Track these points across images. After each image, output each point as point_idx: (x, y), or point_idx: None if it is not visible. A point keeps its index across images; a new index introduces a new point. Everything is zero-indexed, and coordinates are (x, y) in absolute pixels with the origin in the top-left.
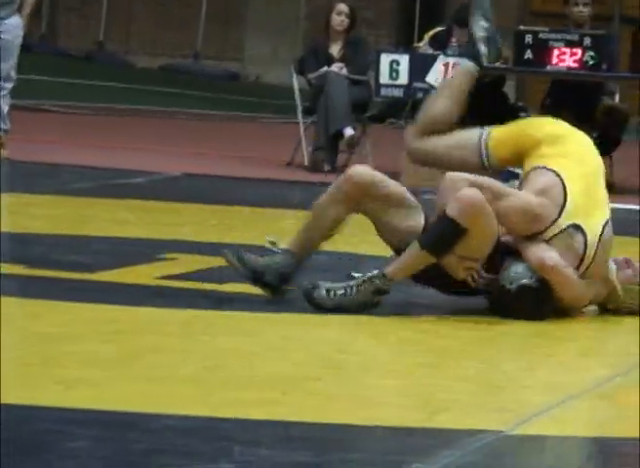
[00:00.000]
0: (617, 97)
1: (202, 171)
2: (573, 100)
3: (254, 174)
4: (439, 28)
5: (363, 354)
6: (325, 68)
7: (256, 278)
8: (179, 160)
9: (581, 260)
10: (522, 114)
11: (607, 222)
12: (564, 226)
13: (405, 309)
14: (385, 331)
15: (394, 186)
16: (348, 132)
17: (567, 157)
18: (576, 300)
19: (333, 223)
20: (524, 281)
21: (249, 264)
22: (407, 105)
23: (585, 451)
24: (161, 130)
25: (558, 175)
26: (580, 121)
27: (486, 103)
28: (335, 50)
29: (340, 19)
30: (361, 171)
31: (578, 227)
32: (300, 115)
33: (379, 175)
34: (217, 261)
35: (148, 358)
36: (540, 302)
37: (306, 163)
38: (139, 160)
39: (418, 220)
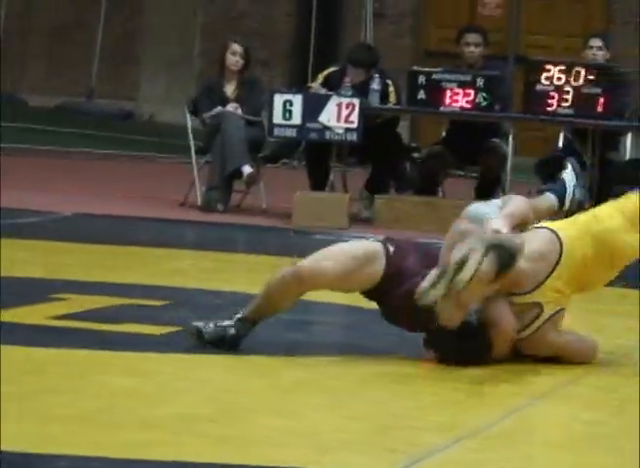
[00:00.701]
0: (510, 139)
1: (95, 210)
2: (464, 142)
3: (147, 213)
4: (333, 68)
5: (254, 394)
6: (219, 108)
7: (216, 345)
8: (72, 200)
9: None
10: (415, 154)
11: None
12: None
13: (296, 349)
14: (277, 371)
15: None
16: (247, 170)
17: None
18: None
19: (287, 303)
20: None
21: (209, 340)
22: (300, 146)
23: None
24: (54, 169)
25: None
26: (469, 162)
27: (380, 143)
28: (229, 89)
29: (234, 58)
30: (307, 271)
31: None
32: (193, 155)
33: (327, 270)
34: (109, 301)
35: (41, 398)
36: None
37: (199, 203)
38: (32, 200)
39: (376, 268)
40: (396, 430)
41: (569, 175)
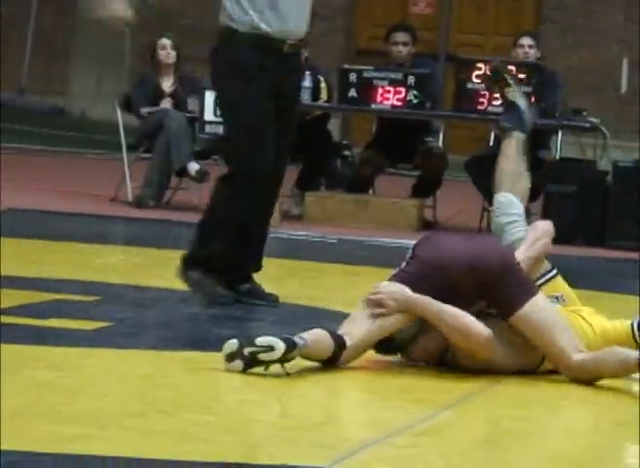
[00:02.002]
0: (440, 136)
1: (25, 205)
2: (395, 140)
3: (78, 209)
4: None
5: (184, 390)
6: (163, 104)
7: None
8: (4, 195)
9: None
10: (346, 152)
11: None
12: None
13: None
14: (207, 366)
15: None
16: (194, 166)
17: None
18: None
19: None
20: None
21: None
22: None
23: None
24: None
25: None
26: (401, 160)
27: (310, 141)
28: (165, 85)
29: (165, 52)
30: None
31: None
32: (124, 151)
33: None
34: (40, 296)
35: None
36: None
37: (130, 199)
38: None
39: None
40: (327, 426)
41: (518, 95)
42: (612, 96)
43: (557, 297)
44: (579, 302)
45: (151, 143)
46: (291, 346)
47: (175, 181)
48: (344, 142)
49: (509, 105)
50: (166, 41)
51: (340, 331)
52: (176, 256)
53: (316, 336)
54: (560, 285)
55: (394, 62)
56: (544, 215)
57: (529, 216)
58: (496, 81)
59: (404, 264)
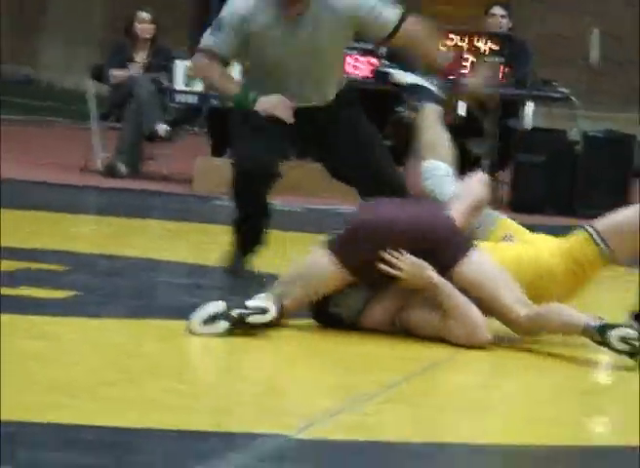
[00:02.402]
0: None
1: None
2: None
3: (48, 178)
4: None
5: (154, 358)
6: (130, 70)
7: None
8: None
9: None
10: None
11: None
12: None
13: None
14: (175, 335)
15: None
16: (163, 127)
17: None
18: None
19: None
20: None
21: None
22: (201, 112)
23: (370, 456)
24: None
25: None
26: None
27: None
28: (140, 58)
29: (142, 26)
30: None
31: None
32: (94, 121)
33: None
34: (11, 265)
35: None
36: None
37: (100, 168)
38: None
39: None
40: (293, 394)
41: (406, 76)
42: (582, 66)
43: (508, 236)
44: (529, 234)
45: (121, 112)
46: (281, 310)
47: (145, 151)
48: None
49: (404, 88)
50: (145, 15)
51: (275, 292)
52: (146, 225)
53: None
54: (509, 224)
55: None
56: (514, 185)
57: (501, 186)
58: (382, 80)
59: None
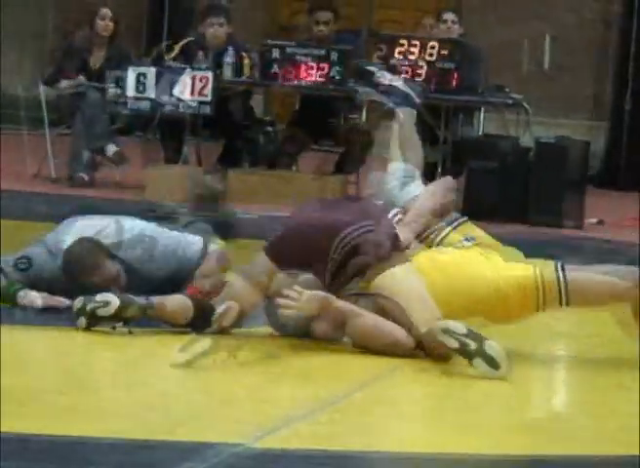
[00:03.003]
0: (363, 112)
1: None
2: (318, 116)
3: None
4: (189, 38)
5: (103, 367)
6: (80, 80)
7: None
8: None
9: None
10: (269, 128)
11: None
12: None
13: (145, 321)
14: (125, 343)
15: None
16: (112, 148)
17: None
18: None
19: None
20: None
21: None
22: (154, 119)
23: (323, 465)
24: None
25: None
26: (325, 137)
27: (233, 117)
28: (96, 59)
29: (104, 23)
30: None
31: None
32: (47, 127)
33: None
34: None
35: None
36: None
37: (53, 175)
38: None
39: None
40: (248, 403)
41: (388, 77)
42: (534, 72)
43: (467, 238)
44: (497, 244)
45: (71, 121)
46: (126, 303)
47: (97, 158)
48: (267, 118)
49: (385, 89)
50: (107, 12)
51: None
52: None
53: (171, 300)
54: (471, 228)
55: (316, 39)
56: (467, 191)
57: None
58: (362, 76)
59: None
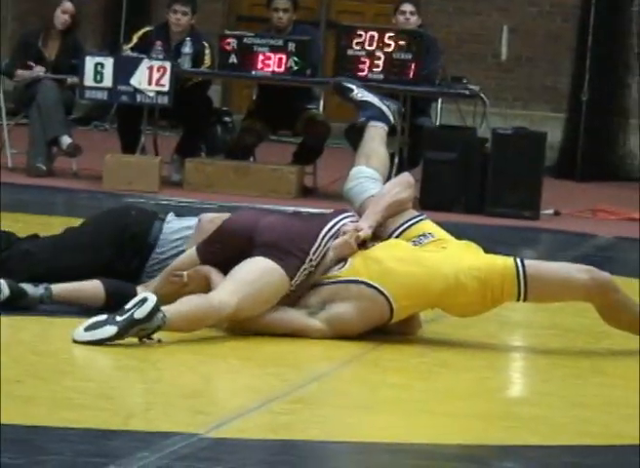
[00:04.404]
0: (321, 103)
1: None
2: (276, 107)
3: None
4: (147, 28)
5: (60, 356)
6: (36, 71)
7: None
8: None
9: None
10: (226, 118)
11: None
12: None
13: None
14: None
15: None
16: (66, 140)
17: None
18: None
19: None
20: None
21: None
22: (112, 108)
23: (280, 455)
24: None
25: None
26: (282, 128)
27: (190, 107)
28: (50, 50)
29: (64, 17)
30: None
31: None
32: (4, 117)
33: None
34: None
35: None
36: None
37: (9, 165)
38: None
39: None
40: (204, 393)
41: (365, 94)
42: (492, 63)
43: (425, 235)
44: (455, 240)
45: (27, 111)
46: (16, 293)
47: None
48: (225, 109)
49: (361, 105)
50: (69, 6)
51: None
52: (54, 223)
53: (79, 285)
54: (429, 226)
55: (275, 29)
56: (424, 183)
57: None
58: (341, 93)
59: None
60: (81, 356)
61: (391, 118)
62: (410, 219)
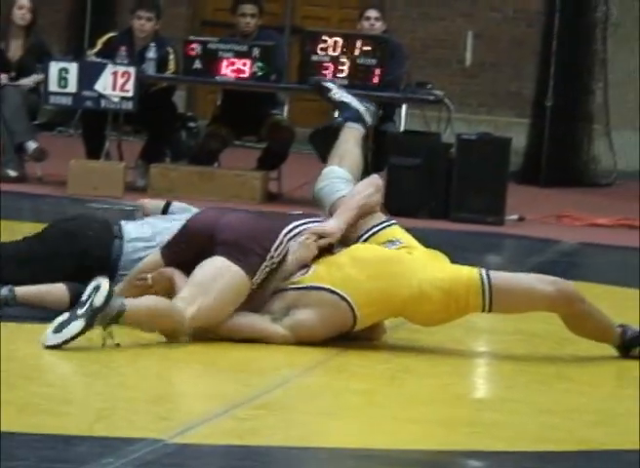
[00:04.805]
0: (285, 109)
1: None
2: (241, 112)
3: None
4: (111, 34)
5: (26, 362)
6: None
7: None
8: None
9: None
10: (191, 124)
11: None
12: None
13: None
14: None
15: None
16: (32, 145)
17: None
18: None
19: None
20: None
21: None
22: (76, 114)
23: (244, 460)
24: None
25: None
26: (247, 133)
27: (155, 112)
28: (13, 50)
29: (20, 12)
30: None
31: None
32: None
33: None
34: None
35: None
36: None
37: None
38: None
39: None
40: (167, 398)
41: (343, 95)
42: (456, 69)
43: (393, 241)
44: (422, 248)
45: None
46: None
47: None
48: (189, 114)
49: (339, 106)
50: (25, 1)
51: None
52: (19, 228)
53: (44, 288)
54: (398, 232)
55: (241, 34)
56: (388, 188)
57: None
58: (320, 92)
59: None
60: (46, 362)
61: (369, 120)
62: (380, 224)
